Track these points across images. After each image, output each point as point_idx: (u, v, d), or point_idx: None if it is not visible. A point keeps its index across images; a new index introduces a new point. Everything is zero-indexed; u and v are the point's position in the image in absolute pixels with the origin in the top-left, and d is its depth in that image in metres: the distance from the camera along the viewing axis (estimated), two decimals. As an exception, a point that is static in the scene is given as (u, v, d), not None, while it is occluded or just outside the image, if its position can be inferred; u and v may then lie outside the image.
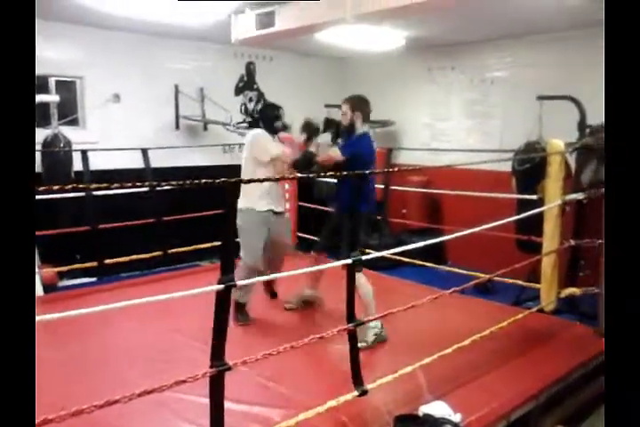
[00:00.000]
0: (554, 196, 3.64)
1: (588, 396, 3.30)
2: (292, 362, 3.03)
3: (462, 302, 4.21)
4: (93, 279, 5.31)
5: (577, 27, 5.02)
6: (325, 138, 3.85)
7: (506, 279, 4.18)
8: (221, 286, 2.03)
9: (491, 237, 3.97)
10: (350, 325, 2.60)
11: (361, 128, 3.63)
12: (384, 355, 3.42)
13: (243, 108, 6.96)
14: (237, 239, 3.60)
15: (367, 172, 3.28)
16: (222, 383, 2.08)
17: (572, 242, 3.83)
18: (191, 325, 3.52)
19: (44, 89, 5.19)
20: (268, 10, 4.59)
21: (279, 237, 4.00)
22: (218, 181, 2.00)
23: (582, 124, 4.48)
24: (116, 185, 1.97)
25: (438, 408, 2.55)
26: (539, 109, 4.72)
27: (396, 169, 2.94)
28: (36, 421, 1.60)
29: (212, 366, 2.05)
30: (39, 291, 4.52)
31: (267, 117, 3.96)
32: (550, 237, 3.70)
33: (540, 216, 3.70)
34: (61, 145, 5.07)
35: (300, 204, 6.03)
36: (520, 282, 4.31)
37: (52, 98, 5.13)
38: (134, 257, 4.66)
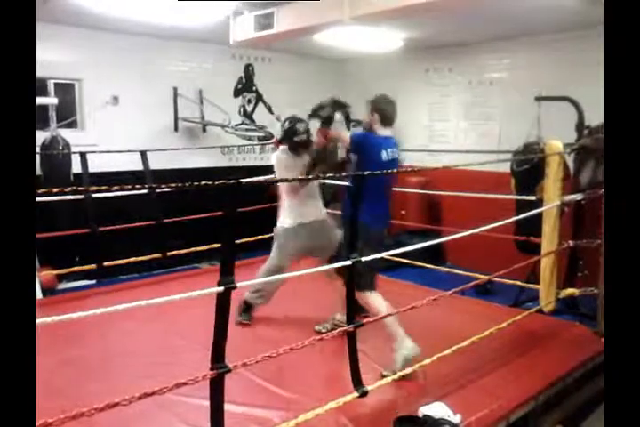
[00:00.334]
0: (553, 196, 3.65)
1: (588, 396, 3.30)
2: (292, 364, 3.02)
3: (462, 302, 4.21)
4: (93, 282, 5.30)
5: (575, 28, 5.03)
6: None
7: (505, 280, 4.18)
8: (221, 289, 2.03)
9: (490, 238, 3.97)
10: (350, 326, 2.60)
11: (381, 131, 3.28)
12: (384, 356, 3.41)
13: (241, 109, 6.97)
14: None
15: (366, 173, 2.80)
16: (222, 385, 2.08)
17: (571, 243, 3.84)
18: (191, 327, 3.52)
19: (43, 91, 5.20)
20: (267, 11, 4.60)
21: (322, 244, 3.82)
22: (217, 183, 2.00)
23: (580, 125, 4.49)
24: (115, 187, 1.97)
25: (438, 409, 2.55)
26: (537, 110, 4.74)
27: (394, 170, 2.91)
28: (37, 424, 1.60)
29: (212, 369, 2.04)
30: (38, 294, 4.52)
31: (285, 134, 3.76)
32: (549, 238, 3.70)
33: (539, 217, 3.71)
34: (60, 147, 5.07)
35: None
36: (519, 283, 4.32)
37: (50, 100, 5.14)
38: (133, 259, 4.66)
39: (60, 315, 1.70)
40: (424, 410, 2.55)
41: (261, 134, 6.66)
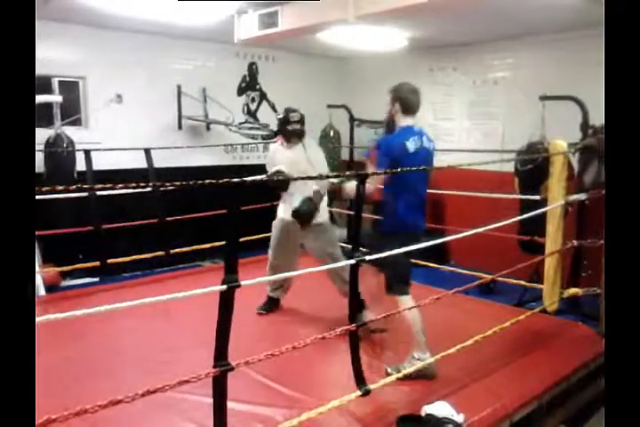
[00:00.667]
0: (557, 196, 3.64)
1: (591, 396, 3.30)
2: (295, 362, 3.02)
3: (465, 302, 4.20)
4: (96, 279, 5.31)
5: (579, 27, 5.00)
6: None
7: (509, 280, 4.18)
8: (224, 287, 2.03)
9: (493, 238, 3.96)
10: (353, 325, 2.60)
11: (403, 122, 3.06)
12: (386, 355, 3.41)
13: (245, 108, 6.97)
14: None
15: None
16: (225, 383, 2.08)
17: (575, 242, 3.83)
18: (194, 325, 3.52)
19: (47, 89, 5.19)
20: (271, 10, 4.60)
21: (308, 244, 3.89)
22: (221, 181, 2.00)
23: (585, 125, 4.47)
24: (119, 185, 1.97)
25: (441, 408, 2.55)
26: (541, 110, 4.72)
27: (398, 170, 2.88)
28: (40, 420, 1.60)
29: (215, 367, 2.04)
30: (41, 291, 4.54)
31: (279, 124, 3.81)
32: (553, 238, 3.69)
33: (543, 217, 3.70)
34: (64, 145, 5.08)
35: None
36: (523, 282, 4.31)
37: (54, 98, 5.14)
38: (137, 257, 4.67)
39: (63, 312, 1.70)
40: (427, 409, 2.55)
41: (265, 133, 6.66)
